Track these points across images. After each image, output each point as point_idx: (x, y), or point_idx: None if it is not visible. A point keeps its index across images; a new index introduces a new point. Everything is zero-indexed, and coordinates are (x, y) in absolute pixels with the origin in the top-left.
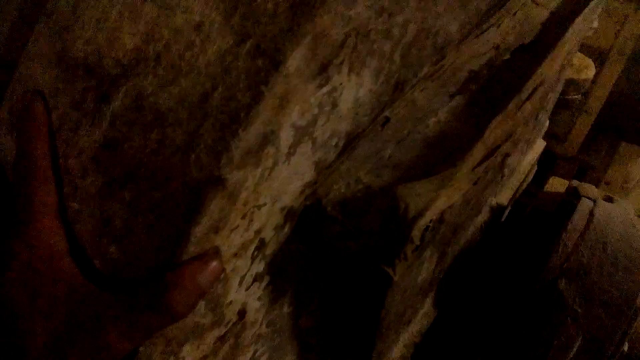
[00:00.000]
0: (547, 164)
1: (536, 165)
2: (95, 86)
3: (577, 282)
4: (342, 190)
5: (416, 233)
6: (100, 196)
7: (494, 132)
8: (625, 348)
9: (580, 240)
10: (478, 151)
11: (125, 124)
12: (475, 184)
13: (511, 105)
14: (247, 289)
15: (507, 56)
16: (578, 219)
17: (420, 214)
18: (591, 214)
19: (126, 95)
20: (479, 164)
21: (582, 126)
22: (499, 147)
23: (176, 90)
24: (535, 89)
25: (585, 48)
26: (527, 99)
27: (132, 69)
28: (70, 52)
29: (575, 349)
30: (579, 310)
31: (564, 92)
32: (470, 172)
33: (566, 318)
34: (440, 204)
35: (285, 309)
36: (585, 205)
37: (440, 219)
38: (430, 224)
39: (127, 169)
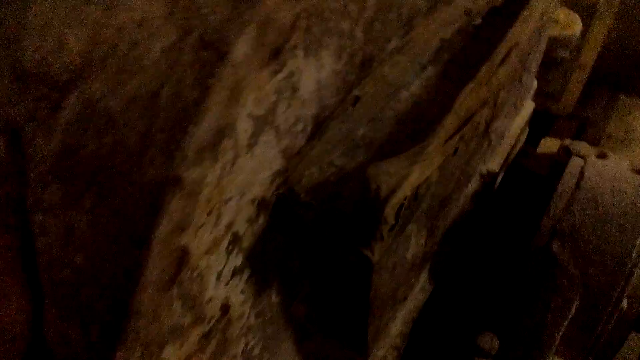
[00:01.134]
0: (545, 125)
1: (527, 127)
2: (47, 94)
3: (570, 243)
4: (315, 176)
5: (389, 211)
6: (62, 205)
7: (466, 101)
8: (624, 305)
9: (570, 200)
10: (450, 122)
11: (79, 130)
12: (454, 154)
13: (482, 73)
14: (226, 284)
15: (479, 21)
16: (568, 180)
17: (392, 193)
18: (581, 172)
19: (77, 101)
20: (453, 135)
21: (577, 82)
22: (473, 115)
23: (125, 92)
24: (508, 53)
25: (571, 3)
26: (501, 64)
27: (80, 73)
28: (20, 61)
29: (573, 310)
30: (574, 271)
31: (551, 51)
32: (444, 144)
33: (562, 280)
34: (413, 180)
35: (274, 299)
36: (575, 164)
37: (416, 195)
38: (405, 202)
39: (85, 176)
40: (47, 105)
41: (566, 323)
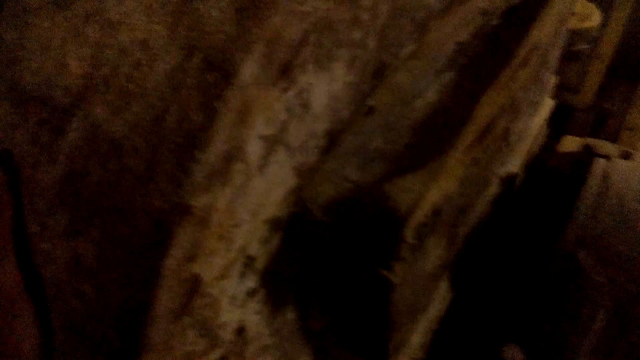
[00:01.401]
0: (563, 118)
1: (547, 125)
2: (49, 118)
3: (597, 251)
4: (330, 192)
5: (409, 232)
6: (68, 234)
7: (486, 108)
8: None
9: (596, 206)
10: (470, 132)
11: (83, 156)
12: (475, 164)
13: (502, 78)
14: (241, 307)
15: (496, 21)
16: (593, 184)
17: (411, 211)
18: (606, 175)
19: (80, 125)
20: (473, 145)
21: (596, 74)
22: (493, 122)
23: (129, 116)
24: (528, 55)
25: None
26: (521, 66)
27: (82, 97)
28: (20, 84)
29: (600, 320)
30: (601, 280)
31: (569, 44)
32: (464, 156)
33: (588, 288)
34: (433, 197)
35: (289, 315)
36: (599, 166)
37: (436, 211)
38: (425, 219)
39: (91, 204)
40: (50, 129)
41: (592, 333)
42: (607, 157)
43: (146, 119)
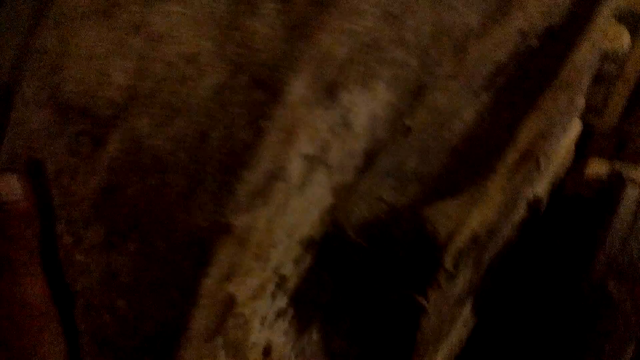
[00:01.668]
0: (584, 139)
1: (574, 148)
2: (90, 129)
3: (628, 282)
4: (364, 213)
5: (448, 259)
6: (104, 247)
7: (526, 132)
8: None
9: (627, 235)
10: (510, 157)
11: (123, 169)
12: (511, 190)
13: (543, 101)
14: (270, 327)
15: (536, 43)
16: (624, 212)
17: (451, 238)
18: (638, 204)
19: (122, 138)
20: (512, 170)
21: (620, 96)
22: (534, 146)
23: (173, 131)
24: (569, 77)
25: (616, 12)
26: (561, 89)
27: (125, 109)
28: (61, 93)
29: (629, 352)
30: (632, 313)
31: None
32: (504, 182)
33: (618, 322)
34: (473, 223)
35: (315, 336)
36: (630, 195)
37: (475, 238)
38: (464, 246)
39: (129, 218)
40: (90, 140)
41: None
42: (635, 182)
43: (190, 135)
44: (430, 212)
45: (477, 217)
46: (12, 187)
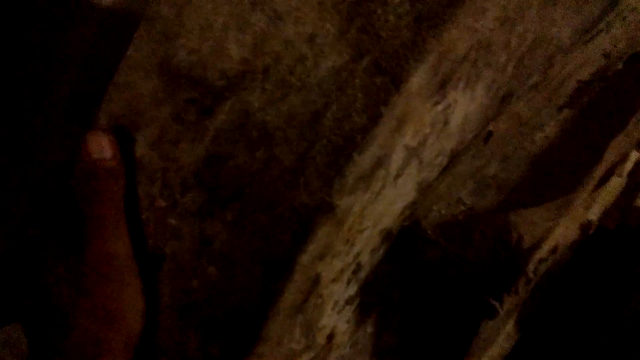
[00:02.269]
0: None
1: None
2: (199, 98)
3: None
4: (443, 212)
5: (531, 267)
6: (200, 214)
7: (614, 152)
8: None
9: None
10: (597, 174)
11: (230, 141)
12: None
13: (630, 124)
14: (338, 313)
15: (620, 66)
16: None
17: (536, 246)
18: None
19: (231, 110)
20: (596, 188)
21: None
22: (614, 167)
23: (285, 108)
24: None
25: None
26: None
27: (238, 82)
28: (172, 61)
29: None
30: None
31: None
32: (588, 198)
33: None
34: (558, 234)
35: (369, 329)
36: None
37: (555, 249)
38: (546, 255)
39: (230, 188)
40: (198, 109)
41: None
42: None
43: (304, 113)
44: (516, 218)
45: (562, 228)
46: (102, 146)
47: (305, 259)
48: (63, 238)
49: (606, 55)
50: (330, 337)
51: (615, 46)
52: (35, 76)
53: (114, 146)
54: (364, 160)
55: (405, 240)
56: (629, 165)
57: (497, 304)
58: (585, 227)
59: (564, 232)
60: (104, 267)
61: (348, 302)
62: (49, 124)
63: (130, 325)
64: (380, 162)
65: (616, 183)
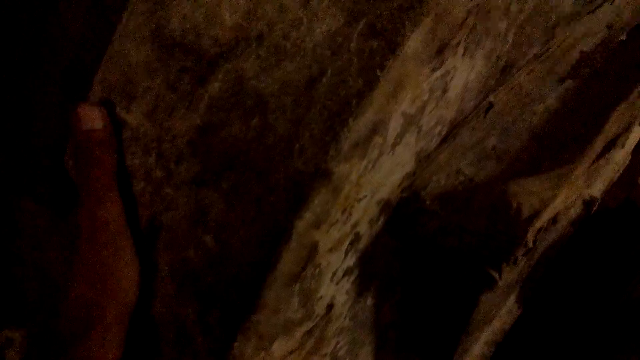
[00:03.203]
0: None
1: (630, 154)
2: (192, 67)
3: None
4: (442, 183)
5: (530, 236)
6: (195, 183)
7: (616, 122)
8: None
9: None
10: (598, 145)
11: (224, 109)
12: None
13: (632, 95)
14: (337, 283)
15: (623, 37)
16: None
17: (535, 215)
18: None
19: (225, 77)
20: (597, 159)
21: None
22: (617, 139)
23: (280, 74)
24: None
25: None
26: None
27: (231, 49)
28: (165, 29)
29: None
30: None
31: None
32: (588, 169)
33: None
34: (558, 204)
35: (369, 302)
36: None
37: (554, 219)
38: (545, 225)
39: (225, 157)
40: (192, 78)
41: None
42: None
43: (298, 79)
44: (515, 188)
45: (562, 197)
46: (94, 117)
47: (301, 226)
48: (57, 208)
49: (609, 26)
50: (330, 307)
51: (619, 16)
52: (31, 51)
53: (104, 117)
54: (359, 126)
55: (404, 212)
56: (633, 140)
57: (495, 274)
58: (588, 203)
59: (564, 202)
60: (97, 234)
61: (347, 273)
62: (46, 98)
63: (124, 292)
64: (376, 129)
65: (619, 159)
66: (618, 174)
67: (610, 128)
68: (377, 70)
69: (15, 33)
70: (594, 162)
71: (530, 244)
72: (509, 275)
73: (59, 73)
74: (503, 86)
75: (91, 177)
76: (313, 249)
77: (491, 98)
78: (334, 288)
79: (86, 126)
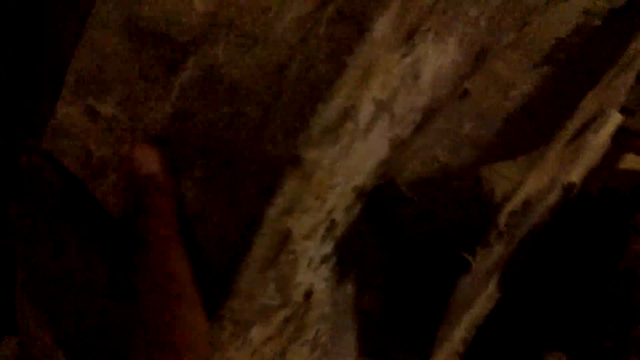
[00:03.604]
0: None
1: (610, 141)
2: (164, 55)
3: None
4: (417, 169)
5: (502, 219)
6: (170, 171)
7: (588, 106)
8: None
9: None
10: (570, 129)
11: (195, 97)
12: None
13: (605, 78)
14: (315, 270)
15: (598, 22)
16: None
17: (507, 198)
18: None
19: (196, 65)
20: (569, 143)
21: None
22: (588, 123)
23: (250, 61)
24: (632, 59)
25: None
26: (621, 70)
27: (202, 36)
28: (137, 18)
29: None
30: None
31: None
32: (560, 153)
33: None
34: (529, 187)
35: (349, 289)
36: None
37: (527, 202)
38: (517, 208)
39: (198, 145)
40: (164, 66)
41: None
42: None
43: (269, 65)
44: (488, 172)
45: (533, 181)
46: (153, 159)
47: (273, 212)
48: (107, 251)
49: (586, 12)
50: (308, 294)
51: (594, 2)
52: (31, 51)
53: (160, 157)
54: (329, 111)
55: (380, 198)
56: (610, 127)
57: (470, 258)
58: (566, 188)
59: (537, 185)
60: (163, 288)
61: (324, 260)
62: (46, 98)
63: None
64: (347, 114)
65: (597, 144)
66: (597, 160)
67: (583, 111)
68: (346, 56)
69: (15, 33)
70: (567, 145)
71: (502, 227)
72: (485, 259)
73: (59, 73)
74: (478, 72)
75: (153, 228)
76: (286, 235)
77: (466, 84)
78: (312, 275)
79: (145, 171)
